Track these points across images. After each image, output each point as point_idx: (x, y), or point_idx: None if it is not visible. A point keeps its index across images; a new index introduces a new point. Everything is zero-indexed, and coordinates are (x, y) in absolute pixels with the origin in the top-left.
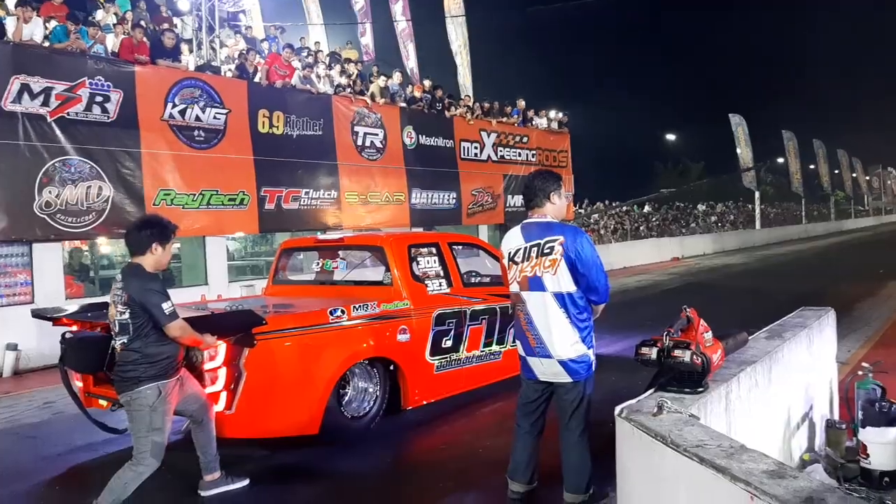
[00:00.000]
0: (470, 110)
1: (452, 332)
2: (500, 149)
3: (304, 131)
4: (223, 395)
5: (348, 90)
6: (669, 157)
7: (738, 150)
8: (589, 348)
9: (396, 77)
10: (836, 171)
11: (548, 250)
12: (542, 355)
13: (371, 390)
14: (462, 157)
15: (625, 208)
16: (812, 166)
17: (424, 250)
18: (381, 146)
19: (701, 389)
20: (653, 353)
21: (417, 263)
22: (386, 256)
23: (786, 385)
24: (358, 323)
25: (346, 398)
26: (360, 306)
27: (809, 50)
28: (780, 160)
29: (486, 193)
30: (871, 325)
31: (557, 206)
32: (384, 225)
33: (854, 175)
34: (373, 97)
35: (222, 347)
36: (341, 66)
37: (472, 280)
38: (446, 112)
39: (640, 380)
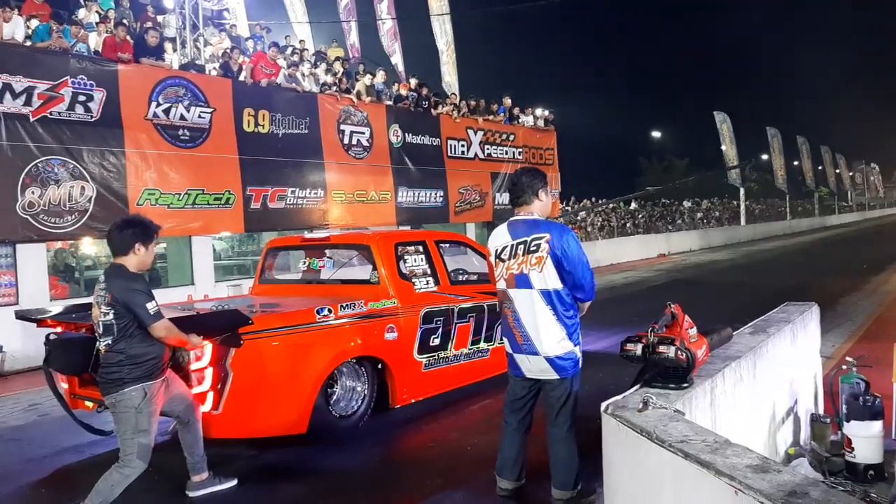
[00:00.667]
0: (456, 108)
1: (440, 330)
2: (486, 147)
3: (290, 130)
4: (210, 396)
5: (334, 88)
6: (654, 154)
7: (723, 147)
8: (576, 345)
9: (380, 75)
10: (820, 168)
11: (534, 248)
12: (530, 352)
13: (359, 389)
14: (449, 155)
15: (611, 205)
16: (796, 163)
17: (411, 248)
18: (367, 144)
19: (686, 385)
20: (638, 349)
21: (404, 262)
22: (373, 255)
23: (770, 380)
24: (345, 322)
25: (334, 397)
26: (347, 305)
27: (793, 47)
28: (765, 157)
29: (474, 191)
30: (854, 320)
31: (544, 203)
32: (371, 223)
33: (837, 171)
34: (359, 95)
35: (208, 347)
36: (327, 64)
37: (460, 278)
38: (433, 110)
39: (626, 376)
